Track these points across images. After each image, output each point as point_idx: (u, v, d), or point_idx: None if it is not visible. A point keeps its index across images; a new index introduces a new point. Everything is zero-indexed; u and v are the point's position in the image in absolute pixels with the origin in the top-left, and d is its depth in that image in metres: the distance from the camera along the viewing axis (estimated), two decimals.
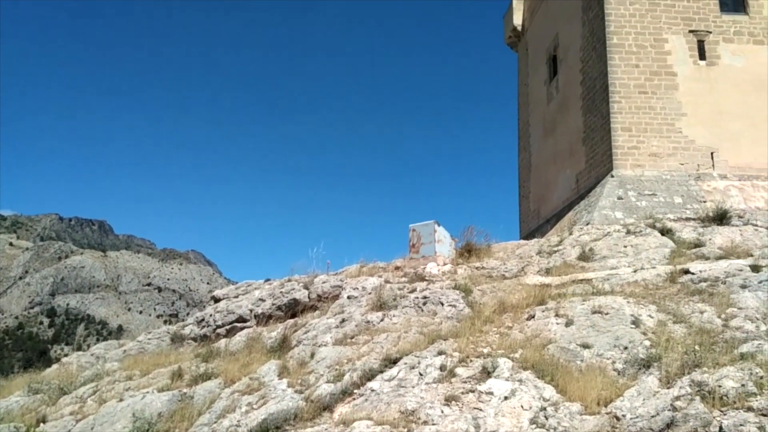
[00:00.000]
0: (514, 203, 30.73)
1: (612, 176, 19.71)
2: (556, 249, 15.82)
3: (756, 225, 15.76)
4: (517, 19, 30.00)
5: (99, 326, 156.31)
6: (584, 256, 14.68)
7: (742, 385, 6.64)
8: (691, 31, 20.60)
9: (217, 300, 15.26)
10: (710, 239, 14.52)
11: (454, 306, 11.18)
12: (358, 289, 12.83)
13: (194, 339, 13.73)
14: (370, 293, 12.33)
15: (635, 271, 12.19)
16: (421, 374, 8.26)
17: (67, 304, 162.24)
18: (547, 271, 13.67)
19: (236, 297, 14.94)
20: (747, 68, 20.50)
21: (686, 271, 11.70)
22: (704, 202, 18.68)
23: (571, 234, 17.05)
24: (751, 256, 12.73)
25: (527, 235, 26.33)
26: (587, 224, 18.21)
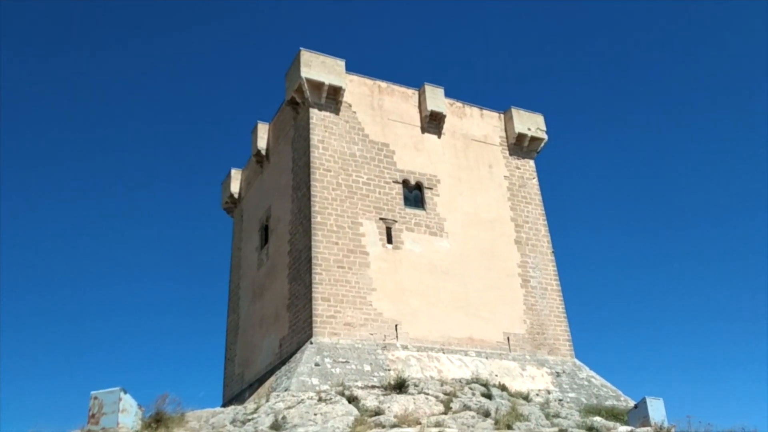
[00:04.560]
0: (222, 367, 30.09)
1: (311, 343, 20.80)
2: (251, 417, 15.78)
3: (428, 394, 17.80)
4: (235, 188, 31.60)
5: None
6: (276, 425, 14.88)
7: None
8: (381, 219, 23.92)
9: None
10: (389, 407, 15.95)
11: None
12: None
13: None
14: None
15: None
16: None
17: None
18: None
19: None
20: (424, 254, 24.21)
21: None
22: (389, 370, 20.62)
23: (267, 401, 17.21)
24: (420, 424, 14.29)
25: (230, 400, 25.74)
26: (286, 390, 18.61)
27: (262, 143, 28.59)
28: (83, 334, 57.07)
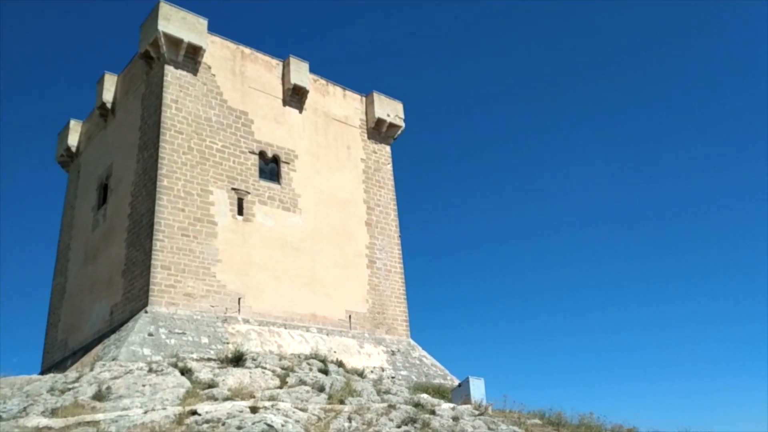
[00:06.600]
0: (43, 332, 27.76)
1: (146, 312, 19.85)
2: (71, 386, 14.82)
3: (265, 368, 17.76)
4: (73, 140, 29.05)
5: None
6: (100, 395, 14.11)
7: None
8: (233, 189, 23.28)
9: None
10: (223, 380, 15.72)
11: None
12: None
13: None
14: None
15: (146, 413, 12.26)
16: None
17: None
18: (54, 412, 12.59)
19: None
20: (275, 228, 23.96)
21: (194, 412, 12.33)
22: (227, 343, 20.25)
23: (92, 370, 16.25)
24: (254, 397, 14.23)
25: (50, 368, 23.90)
26: (113, 360, 17.66)
27: (108, 95, 26.53)
28: None
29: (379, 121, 28.76)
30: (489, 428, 13.86)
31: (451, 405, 16.30)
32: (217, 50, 24.62)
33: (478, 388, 17.34)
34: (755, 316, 57.20)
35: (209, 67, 24.13)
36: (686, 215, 63.42)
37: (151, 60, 23.71)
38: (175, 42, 22.99)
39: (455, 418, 14.22)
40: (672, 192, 64.39)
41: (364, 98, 29.23)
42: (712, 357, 58.14)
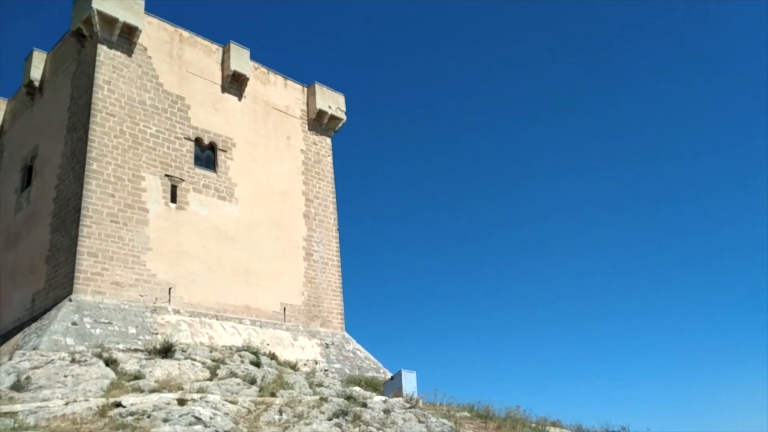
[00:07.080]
0: None
1: (70, 300, 19.10)
2: None
3: (195, 359, 17.40)
4: None
5: None
6: (18, 386, 13.52)
7: None
8: (167, 176, 22.63)
9: None
10: (150, 372, 15.31)
11: None
12: None
13: None
14: None
15: (67, 404, 11.82)
16: None
17: None
18: None
19: None
20: (210, 218, 23.45)
21: (118, 404, 11.97)
22: (156, 334, 19.71)
23: (11, 359, 15.54)
24: (182, 389, 13.93)
25: None
26: (34, 349, 16.92)
27: (36, 73, 25.29)
28: None
29: (321, 113, 28.55)
30: (419, 421, 14.06)
31: (383, 398, 16.42)
32: (154, 32, 23.84)
33: (409, 381, 17.52)
34: (679, 309, 60.25)
35: (145, 49, 23.34)
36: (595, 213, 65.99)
37: (84, 38, 22.74)
38: (109, 21, 22.10)
39: (386, 411, 14.35)
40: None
41: (305, 89, 28.94)
42: (634, 353, 60.86)
